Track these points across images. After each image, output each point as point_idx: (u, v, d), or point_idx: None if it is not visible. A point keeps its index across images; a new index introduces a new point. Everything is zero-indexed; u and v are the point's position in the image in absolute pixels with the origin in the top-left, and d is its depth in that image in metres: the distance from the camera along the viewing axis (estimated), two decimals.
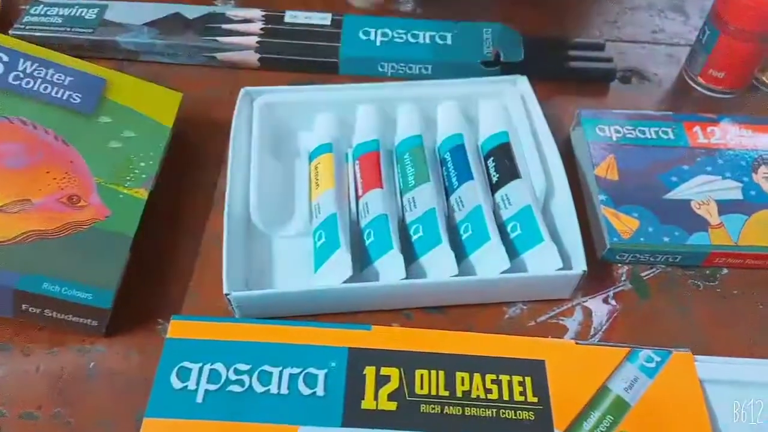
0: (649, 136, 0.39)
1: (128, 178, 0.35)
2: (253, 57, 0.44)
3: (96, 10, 0.45)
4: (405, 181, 0.36)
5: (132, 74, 0.39)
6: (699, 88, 0.44)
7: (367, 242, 0.33)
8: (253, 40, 0.44)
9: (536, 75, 0.40)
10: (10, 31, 0.44)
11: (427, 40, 0.44)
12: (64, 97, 0.36)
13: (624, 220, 0.35)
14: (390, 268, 0.32)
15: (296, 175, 0.38)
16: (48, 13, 0.45)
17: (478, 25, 0.45)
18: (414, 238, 0.34)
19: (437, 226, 0.33)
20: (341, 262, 0.32)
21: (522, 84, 0.40)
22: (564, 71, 0.44)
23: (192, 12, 0.45)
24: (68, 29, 0.44)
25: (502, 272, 0.32)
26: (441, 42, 0.44)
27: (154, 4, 0.46)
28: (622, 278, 0.35)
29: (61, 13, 0.45)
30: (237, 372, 0.27)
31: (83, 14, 0.45)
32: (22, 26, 0.45)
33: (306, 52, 0.44)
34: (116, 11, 0.45)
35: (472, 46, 0.44)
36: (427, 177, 0.35)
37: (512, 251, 0.33)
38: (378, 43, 0.44)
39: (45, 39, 0.44)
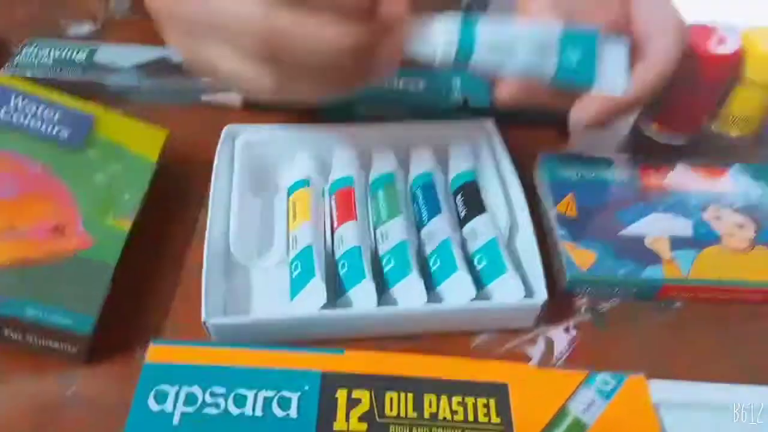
0: (606, 177, 0.42)
1: (112, 209, 0.36)
2: (236, 98, 0.46)
3: (86, 52, 0.48)
4: (378, 216, 0.38)
5: (113, 105, 0.41)
6: (653, 135, 0.48)
7: (341, 272, 0.35)
8: None
9: (502, 119, 0.43)
10: (1, 71, 0.46)
11: (401, 86, 0.47)
12: (54, 132, 0.37)
13: (582, 253, 0.37)
14: (363, 297, 0.34)
15: (275, 208, 0.39)
16: (39, 54, 0.47)
17: (449, 73, 0.48)
18: (386, 268, 0.35)
19: (408, 258, 0.35)
20: (316, 291, 0.33)
21: (489, 127, 0.43)
22: (527, 116, 0.47)
23: (179, 56, 0.48)
24: (59, 70, 0.46)
25: (470, 300, 0.34)
26: (413, 88, 0.47)
27: (142, 47, 0.48)
28: (582, 309, 0.37)
29: (52, 54, 0.47)
30: (213, 395, 0.29)
31: (73, 56, 0.47)
32: (14, 66, 0.46)
33: None
34: (106, 54, 0.48)
35: (442, 92, 0.47)
36: (398, 211, 0.37)
37: (479, 282, 0.35)
38: None
39: (35, 80, 0.45)
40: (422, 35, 0.32)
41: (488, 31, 0.33)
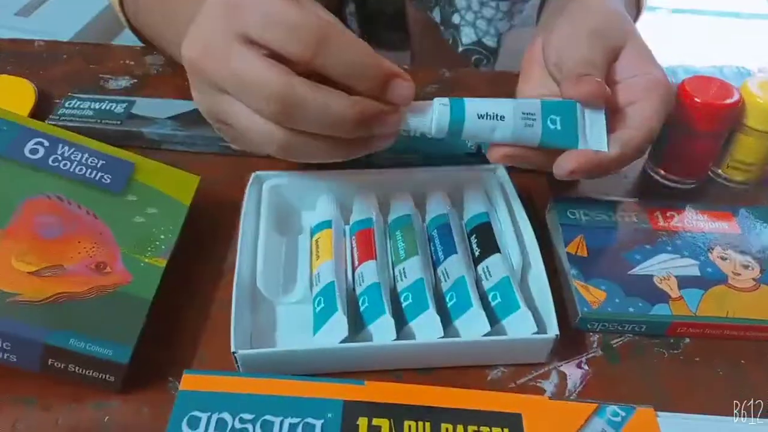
0: (615, 219, 0.43)
1: (149, 248, 0.39)
2: None
3: (124, 105, 0.51)
4: (396, 255, 0.40)
5: (156, 160, 0.44)
6: (660, 179, 0.50)
7: (362, 308, 0.37)
8: None
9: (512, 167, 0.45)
10: (46, 121, 0.50)
11: (417, 134, 0.50)
12: (97, 178, 0.41)
13: (593, 291, 0.39)
14: (382, 331, 0.35)
15: (299, 248, 0.42)
16: (80, 106, 0.51)
17: None
18: (404, 304, 0.37)
19: (425, 294, 0.37)
20: (338, 324, 0.35)
21: (501, 173, 0.45)
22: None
23: (199, 107, 0.51)
24: (99, 121, 0.50)
25: (483, 335, 0.36)
26: (429, 136, 0.49)
27: (176, 101, 0.52)
28: (594, 345, 0.38)
29: (92, 106, 0.51)
30: (242, 421, 0.30)
31: (113, 108, 0.51)
32: (57, 117, 0.50)
33: None
34: (142, 106, 0.51)
35: (455, 139, 0.49)
36: (416, 251, 0.39)
37: (493, 318, 0.37)
38: None
39: (77, 129, 0.49)
40: (419, 111, 0.36)
41: (476, 104, 0.37)
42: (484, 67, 0.65)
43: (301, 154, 0.35)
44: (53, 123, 0.49)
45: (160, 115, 0.51)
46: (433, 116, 0.36)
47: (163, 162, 0.44)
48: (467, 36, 0.62)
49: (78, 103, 0.51)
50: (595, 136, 0.38)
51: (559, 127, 0.38)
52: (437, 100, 0.37)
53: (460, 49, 0.63)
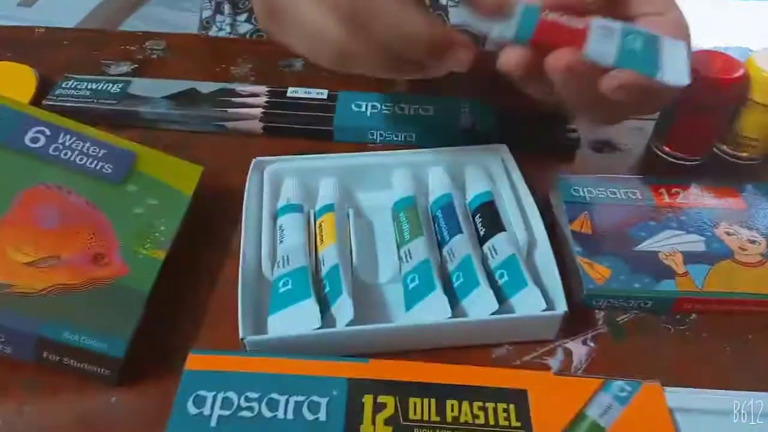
0: (619, 197, 0.43)
1: (148, 240, 0.38)
2: (257, 125, 0.50)
3: (121, 85, 0.52)
4: (401, 236, 0.40)
5: (154, 142, 0.44)
6: (665, 156, 0.49)
7: None
8: (258, 111, 0.50)
9: (510, 144, 0.45)
10: (43, 101, 0.50)
11: (412, 112, 0.50)
12: (97, 167, 0.40)
13: (598, 269, 0.39)
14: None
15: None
16: (77, 86, 0.51)
17: (457, 99, 0.51)
18: (410, 286, 0.37)
19: (431, 275, 0.37)
20: (344, 307, 0.35)
21: (503, 152, 0.45)
22: (534, 141, 0.49)
23: (205, 88, 0.52)
24: (95, 101, 0.50)
25: (492, 314, 0.35)
26: (424, 113, 0.50)
27: (173, 80, 0.52)
28: (599, 322, 0.38)
29: (89, 87, 0.51)
30: (247, 399, 0.30)
31: (109, 88, 0.51)
32: (54, 98, 0.50)
33: (304, 122, 0.49)
34: (139, 86, 0.52)
35: (451, 117, 0.49)
36: (420, 232, 0.39)
37: (500, 296, 0.36)
38: (368, 114, 0.50)
39: (74, 109, 0.50)
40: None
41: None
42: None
43: (355, 62, 0.34)
44: (50, 103, 0.50)
45: (156, 95, 0.51)
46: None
47: (163, 145, 0.44)
48: (456, 16, 0.62)
49: (75, 83, 0.52)
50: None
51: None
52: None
53: None
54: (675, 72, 0.34)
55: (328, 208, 0.41)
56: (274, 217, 0.41)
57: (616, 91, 0.34)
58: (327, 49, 0.34)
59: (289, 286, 0.36)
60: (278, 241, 0.39)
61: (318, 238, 0.40)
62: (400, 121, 0.49)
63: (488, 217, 0.41)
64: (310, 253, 0.39)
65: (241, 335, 0.34)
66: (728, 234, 0.41)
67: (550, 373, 0.33)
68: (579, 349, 0.37)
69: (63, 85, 0.51)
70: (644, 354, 0.37)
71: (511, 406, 0.31)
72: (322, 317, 0.35)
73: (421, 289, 0.36)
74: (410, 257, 0.38)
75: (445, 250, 0.39)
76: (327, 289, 0.37)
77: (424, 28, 0.33)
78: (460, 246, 0.38)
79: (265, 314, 0.36)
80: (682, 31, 0.37)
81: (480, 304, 0.36)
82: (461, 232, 0.39)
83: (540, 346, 0.37)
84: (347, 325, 0.35)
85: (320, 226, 0.40)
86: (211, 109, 0.50)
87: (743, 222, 0.42)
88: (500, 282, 0.37)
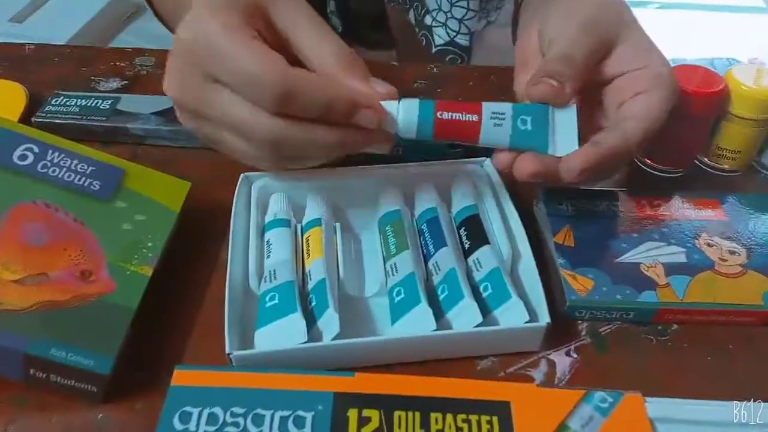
0: (602, 209, 0.44)
1: (136, 256, 0.39)
2: None
3: (110, 101, 0.52)
4: (387, 250, 0.40)
5: (142, 157, 0.44)
6: (647, 169, 0.50)
7: None
8: None
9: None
10: (32, 118, 0.50)
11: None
12: (86, 184, 0.41)
13: (580, 280, 0.39)
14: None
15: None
16: (67, 103, 0.52)
17: None
18: (396, 299, 0.38)
19: (417, 288, 0.37)
20: (330, 321, 0.35)
21: (488, 166, 0.45)
22: None
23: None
24: (84, 117, 0.51)
25: (476, 326, 0.36)
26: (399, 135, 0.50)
27: (162, 96, 0.52)
28: (582, 333, 0.39)
29: (78, 103, 0.52)
30: (233, 415, 0.31)
31: (98, 104, 0.52)
32: (44, 114, 0.51)
33: None
34: (128, 102, 0.52)
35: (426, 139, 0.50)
36: (406, 245, 0.40)
37: (485, 308, 0.37)
38: None
39: (63, 126, 0.50)
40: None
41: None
42: None
43: (291, 144, 0.36)
44: (40, 120, 0.50)
45: (145, 111, 0.51)
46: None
47: (152, 162, 0.44)
48: (440, 36, 0.63)
49: (65, 100, 0.52)
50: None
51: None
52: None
53: (434, 49, 0.64)
54: (565, 142, 0.38)
55: (315, 222, 0.42)
56: (262, 232, 0.41)
57: (530, 178, 0.37)
58: (256, 142, 0.37)
59: (276, 301, 0.36)
60: (265, 256, 0.40)
61: (305, 253, 0.40)
62: None
63: (473, 231, 0.41)
64: (297, 267, 0.39)
65: (227, 350, 0.34)
66: (709, 245, 0.42)
67: (533, 384, 0.34)
68: (562, 360, 0.37)
69: (53, 102, 0.52)
70: (627, 365, 0.37)
71: (494, 418, 0.31)
72: (308, 331, 0.35)
73: (407, 302, 0.37)
74: (396, 271, 0.39)
75: (430, 263, 0.40)
76: (313, 303, 0.37)
77: (331, 137, 0.36)
78: (445, 259, 0.39)
79: (252, 329, 0.36)
80: (662, 81, 0.39)
81: (464, 317, 0.36)
82: (446, 245, 0.40)
83: (524, 358, 0.37)
84: (333, 339, 0.35)
85: (307, 240, 0.41)
86: None
87: (724, 233, 0.43)
88: (484, 294, 0.38)
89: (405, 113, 0.37)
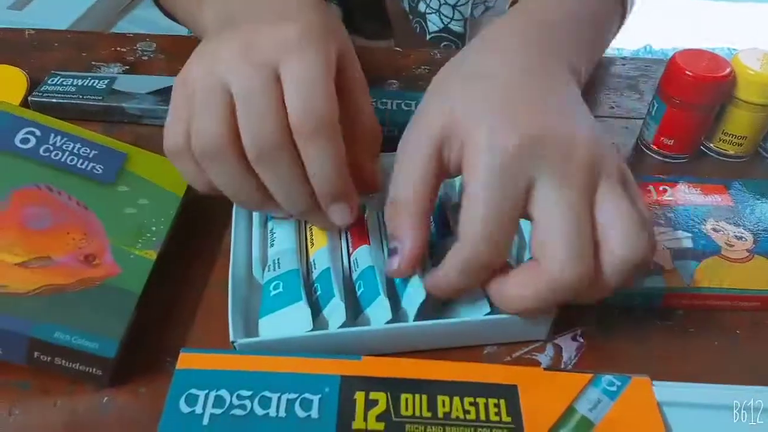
0: None
1: (140, 240, 0.38)
2: None
3: (106, 81, 0.52)
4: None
5: (146, 140, 0.44)
6: (653, 155, 0.50)
7: (359, 293, 0.37)
8: None
9: None
10: (29, 98, 0.50)
11: (394, 107, 0.50)
12: (88, 168, 0.40)
13: None
14: (378, 313, 0.35)
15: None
16: (63, 83, 0.52)
17: None
18: (400, 288, 0.37)
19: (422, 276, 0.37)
20: (336, 310, 0.35)
21: None
22: None
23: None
24: (81, 96, 0.51)
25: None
26: (406, 108, 0.50)
27: (158, 76, 0.53)
28: (588, 318, 0.38)
29: (75, 83, 0.52)
30: (239, 397, 0.30)
31: (95, 84, 0.52)
32: (40, 93, 0.51)
33: None
34: (124, 82, 0.52)
35: None
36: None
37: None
38: None
39: (59, 105, 0.50)
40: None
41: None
42: None
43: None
44: (36, 99, 0.50)
45: (141, 90, 0.51)
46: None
47: (153, 142, 0.44)
48: (434, 24, 0.63)
49: (61, 80, 0.52)
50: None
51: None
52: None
53: (428, 36, 0.63)
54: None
55: None
56: (265, 221, 0.41)
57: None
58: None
59: (280, 290, 0.36)
60: (269, 245, 0.39)
61: (309, 242, 0.40)
62: (383, 115, 0.49)
63: None
64: (301, 256, 0.39)
65: (231, 338, 0.34)
66: (715, 230, 0.42)
67: (540, 368, 0.34)
68: (568, 344, 0.37)
69: (49, 81, 0.52)
70: (633, 349, 0.37)
71: (502, 401, 0.31)
72: (313, 320, 0.35)
73: (411, 292, 0.36)
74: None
75: (435, 251, 0.39)
76: (318, 292, 0.37)
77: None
78: (448, 247, 0.38)
79: (256, 316, 0.36)
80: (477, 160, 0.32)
81: (472, 307, 0.36)
82: (450, 234, 0.39)
83: (530, 343, 0.37)
84: (339, 327, 0.35)
85: (311, 229, 0.41)
86: None
87: (730, 218, 0.43)
88: None
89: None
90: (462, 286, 0.33)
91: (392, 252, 0.35)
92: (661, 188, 0.44)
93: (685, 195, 0.44)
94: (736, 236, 0.41)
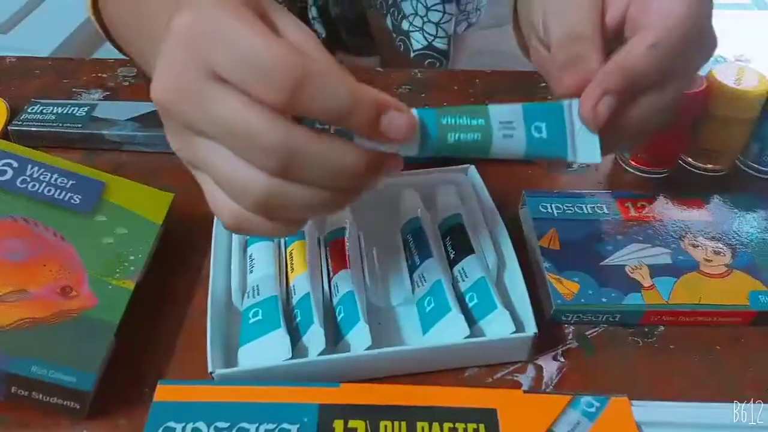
0: (586, 212, 0.44)
1: (117, 270, 0.38)
2: None
3: (86, 109, 0.52)
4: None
5: (125, 168, 0.44)
6: (631, 170, 0.50)
7: (339, 318, 0.37)
8: None
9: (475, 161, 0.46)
10: (9, 127, 0.50)
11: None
12: (65, 199, 0.40)
13: (566, 284, 0.39)
14: (359, 339, 0.35)
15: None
16: (43, 111, 0.52)
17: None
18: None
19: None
20: (316, 337, 0.35)
21: (471, 172, 0.45)
22: None
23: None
24: (60, 125, 0.51)
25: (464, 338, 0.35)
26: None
27: (137, 102, 0.53)
28: (569, 337, 0.39)
29: (55, 111, 0.52)
30: (217, 429, 0.30)
31: (74, 112, 0.52)
32: (20, 122, 0.51)
33: None
34: (104, 109, 0.52)
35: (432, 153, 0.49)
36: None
37: (470, 319, 0.37)
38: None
39: (39, 133, 0.50)
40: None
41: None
42: None
43: (281, 206, 0.29)
44: (16, 128, 0.50)
45: (121, 117, 0.51)
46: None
47: (132, 168, 0.44)
48: (417, 41, 0.63)
49: (41, 108, 0.52)
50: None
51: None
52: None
53: (412, 54, 0.64)
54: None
55: (299, 235, 0.41)
56: (245, 247, 0.41)
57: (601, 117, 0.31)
58: (246, 198, 0.29)
59: (259, 317, 0.36)
60: (248, 271, 0.39)
61: (288, 267, 0.40)
62: None
63: (458, 240, 0.41)
64: (281, 282, 0.39)
65: (210, 369, 0.33)
66: (693, 246, 0.42)
67: (519, 391, 0.34)
68: (550, 364, 0.37)
69: (29, 110, 0.52)
70: (614, 367, 0.37)
71: (481, 426, 0.31)
72: (293, 347, 0.34)
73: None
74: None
75: (416, 275, 0.40)
76: (298, 318, 0.37)
77: (355, 156, 0.28)
78: (431, 270, 0.39)
79: (235, 344, 0.36)
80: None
81: (451, 330, 0.36)
82: (431, 255, 0.39)
83: (511, 364, 0.37)
84: (319, 354, 0.35)
85: (290, 254, 0.41)
86: None
87: (708, 233, 0.43)
88: (470, 305, 0.38)
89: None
90: (656, 63, 0.31)
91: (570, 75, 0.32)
92: (639, 204, 0.45)
93: (663, 210, 0.44)
94: (714, 251, 0.42)
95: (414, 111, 0.30)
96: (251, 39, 0.26)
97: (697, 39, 0.33)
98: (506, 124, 0.31)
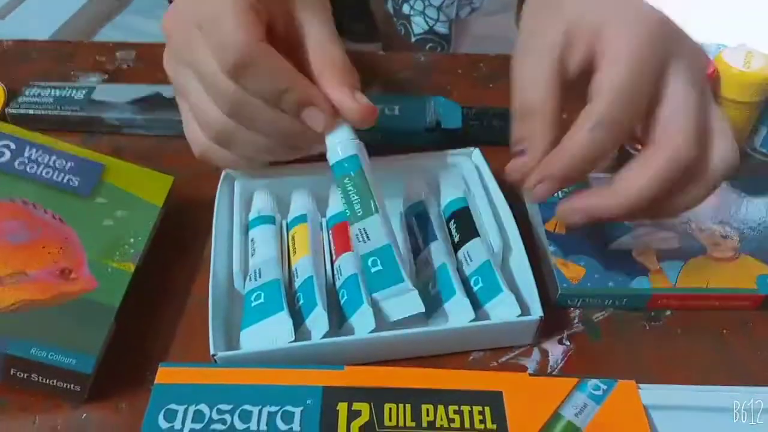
0: None
1: (117, 253, 0.38)
2: None
3: (84, 91, 0.51)
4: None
5: (125, 150, 0.43)
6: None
7: (342, 301, 0.36)
8: None
9: (476, 142, 0.45)
10: (6, 110, 0.49)
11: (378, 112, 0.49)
12: (64, 181, 0.40)
13: (572, 268, 0.39)
14: (362, 323, 0.35)
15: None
16: (41, 94, 0.51)
17: (423, 98, 0.51)
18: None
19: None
20: (319, 320, 0.35)
21: (476, 155, 0.45)
22: (499, 137, 0.49)
23: (170, 92, 0.51)
24: (59, 108, 0.50)
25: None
26: (389, 113, 0.49)
27: (136, 85, 0.52)
28: (575, 321, 0.38)
29: (53, 94, 0.51)
30: (219, 412, 0.30)
31: (73, 95, 0.51)
32: (17, 105, 0.50)
33: None
34: (103, 91, 0.51)
35: (416, 115, 0.49)
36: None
37: (476, 303, 0.36)
38: None
39: (37, 116, 0.49)
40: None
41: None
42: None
43: (237, 143, 0.36)
44: (14, 111, 0.49)
45: (120, 100, 0.50)
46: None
47: (132, 151, 0.43)
48: (418, 25, 0.62)
49: (38, 91, 0.51)
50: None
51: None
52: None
53: (413, 38, 0.63)
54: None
55: (301, 219, 0.41)
56: (246, 230, 0.41)
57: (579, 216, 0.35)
58: (210, 127, 0.36)
59: (261, 300, 0.35)
60: (250, 254, 0.39)
61: (291, 250, 0.40)
62: None
63: (462, 223, 0.40)
64: (283, 265, 0.39)
65: (212, 351, 0.33)
66: (701, 230, 0.42)
67: (525, 374, 0.33)
68: (555, 348, 0.37)
69: (27, 93, 0.51)
70: (620, 351, 0.37)
71: (487, 409, 0.31)
72: (296, 330, 0.34)
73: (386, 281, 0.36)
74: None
75: (419, 259, 0.39)
76: (301, 301, 0.36)
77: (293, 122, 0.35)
78: (436, 254, 0.38)
79: (237, 328, 0.35)
80: (624, 17, 0.33)
81: (456, 314, 0.35)
82: (436, 239, 0.39)
83: (516, 347, 0.37)
84: (323, 337, 0.34)
85: (293, 237, 0.40)
86: (175, 113, 0.49)
87: (716, 217, 0.42)
88: (475, 288, 0.37)
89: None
90: (597, 145, 0.33)
91: (518, 154, 0.35)
92: None
93: None
94: (722, 235, 0.41)
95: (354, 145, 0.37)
96: (231, 20, 0.32)
97: (660, 69, 0.33)
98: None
